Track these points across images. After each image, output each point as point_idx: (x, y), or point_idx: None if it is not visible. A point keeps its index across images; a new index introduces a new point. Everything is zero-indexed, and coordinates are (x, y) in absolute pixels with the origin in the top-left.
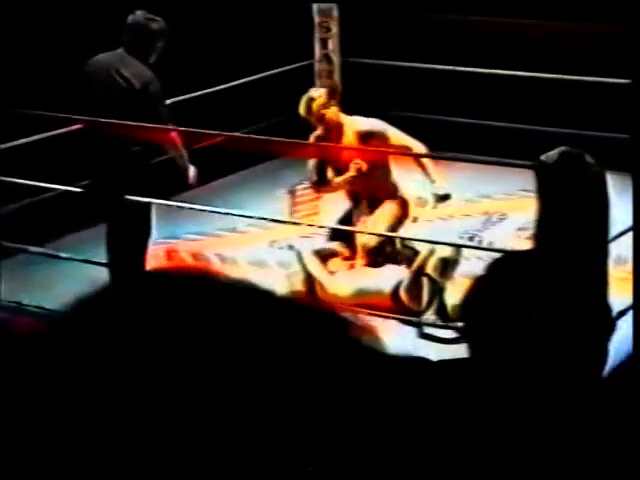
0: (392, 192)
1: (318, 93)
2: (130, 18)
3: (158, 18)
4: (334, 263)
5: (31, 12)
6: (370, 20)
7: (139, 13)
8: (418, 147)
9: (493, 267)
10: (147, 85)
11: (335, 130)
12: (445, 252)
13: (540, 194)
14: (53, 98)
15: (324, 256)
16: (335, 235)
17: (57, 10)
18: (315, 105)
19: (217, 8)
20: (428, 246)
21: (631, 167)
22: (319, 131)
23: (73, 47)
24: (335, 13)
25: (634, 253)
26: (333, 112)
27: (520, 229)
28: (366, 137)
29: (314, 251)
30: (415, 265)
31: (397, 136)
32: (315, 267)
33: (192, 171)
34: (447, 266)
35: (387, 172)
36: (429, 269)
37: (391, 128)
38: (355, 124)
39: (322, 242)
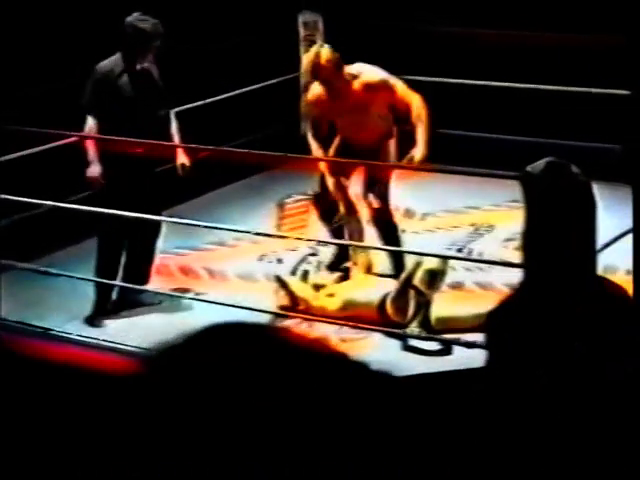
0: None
1: (325, 50)
2: (126, 20)
3: (150, 18)
4: (320, 276)
5: (31, 13)
6: (355, 32)
7: (134, 15)
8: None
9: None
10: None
11: (343, 90)
12: (432, 264)
13: (527, 205)
14: (53, 98)
15: (306, 272)
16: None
17: (57, 10)
18: (324, 59)
19: (201, 14)
20: (415, 258)
21: (631, 177)
22: (319, 90)
23: (73, 48)
24: (320, 26)
25: (634, 258)
26: (340, 74)
27: (507, 240)
28: (375, 88)
29: (291, 271)
30: (402, 277)
31: (401, 86)
32: (298, 285)
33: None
34: (434, 278)
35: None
36: (416, 281)
37: (394, 78)
38: (364, 77)
39: (305, 254)
